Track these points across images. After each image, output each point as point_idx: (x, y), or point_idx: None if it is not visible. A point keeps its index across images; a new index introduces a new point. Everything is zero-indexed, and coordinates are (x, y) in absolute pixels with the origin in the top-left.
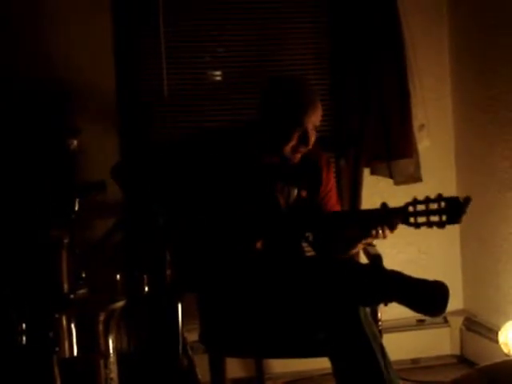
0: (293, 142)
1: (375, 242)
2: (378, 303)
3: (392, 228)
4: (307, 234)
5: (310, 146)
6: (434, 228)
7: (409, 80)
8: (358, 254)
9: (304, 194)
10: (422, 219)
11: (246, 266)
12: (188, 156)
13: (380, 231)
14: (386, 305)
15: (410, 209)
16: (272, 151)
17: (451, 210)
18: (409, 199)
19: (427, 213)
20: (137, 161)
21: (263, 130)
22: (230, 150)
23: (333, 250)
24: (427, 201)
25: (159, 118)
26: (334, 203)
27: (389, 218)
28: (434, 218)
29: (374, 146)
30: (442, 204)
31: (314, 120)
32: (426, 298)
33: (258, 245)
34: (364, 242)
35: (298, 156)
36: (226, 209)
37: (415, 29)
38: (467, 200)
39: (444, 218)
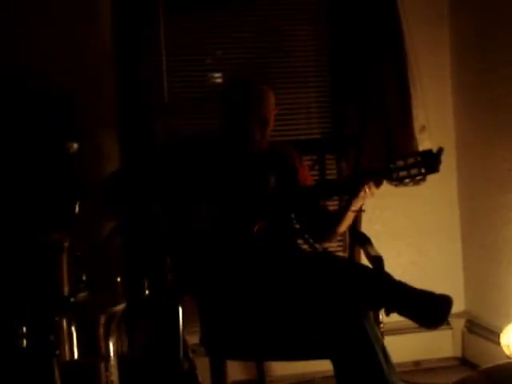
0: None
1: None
2: (379, 308)
3: (377, 184)
4: (296, 221)
5: (262, 139)
6: (418, 180)
7: (409, 81)
8: (358, 254)
9: (281, 179)
10: (403, 173)
11: (245, 268)
12: (180, 157)
13: (367, 189)
14: (387, 315)
15: (391, 166)
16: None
17: (427, 162)
18: (408, 201)
19: (407, 167)
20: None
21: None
22: (212, 152)
23: (324, 227)
24: (404, 156)
25: (159, 121)
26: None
27: (372, 175)
28: (414, 171)
29: (374, 148)
30: (419, 158)
31: (258, 116)
32: (428, 311)
33: (256, 229)
34: (353, 207)
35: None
36: (218, 201)
37: (416, 30)
38: (440, 150)
39: (423, 170)
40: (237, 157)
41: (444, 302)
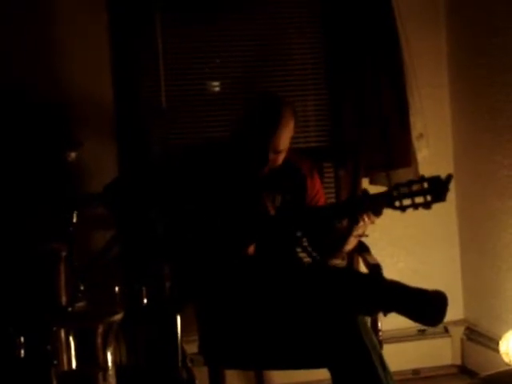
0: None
1: (374, 251)
2: (376, 312)
3: (377, 213)
4: (299, 235)
5: (274, 164)
6: (420, 209)
7: (407, 89)
8: (358, 263)
9: (289, 197)
10: (406, 202)
11: (243, 277)
12: (181, 169)
13: (366, 218)
14: (385, 315)
15: (394, 193)
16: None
17: (435, 189)
18: None
19: (411, 195)
20: (127, 184)
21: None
22: (217, 163)
23: (327, 248)
24: (410, 183)
25: (157, 129)
26: None
27: (373, 203)
28: (419, 200)
29: (372, 156)
30: (425, 184)
31: (276, 143)
32: (425, 307)
33: (251, 250)
34: (355, 232)
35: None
36: (216, 218)
37: (413, 38)
38: (449, 177)
39: (429, 198)
40: (244, 174)
41: (439, 297)
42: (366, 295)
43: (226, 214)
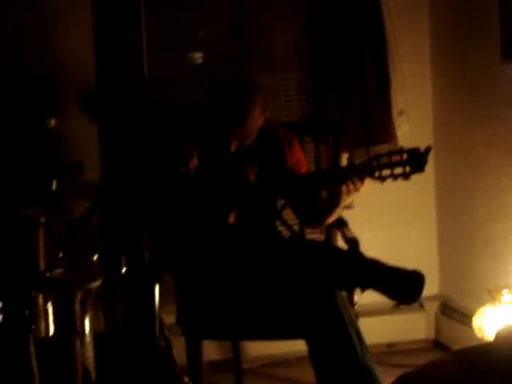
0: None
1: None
2: (354, 288)
3: (362, 180)
4: (278, 208)
5: (243, 144)
6: (399, 180)
7: (389, 66)
8: (336, 238)
9: (267, 167)
10: (386, 172)
11: (221, 248)
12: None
13: (351, 185)
14: (362, 292)
15: (374, 163)
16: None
17: (414, 161)
18: (385, 183)
19: (391, 165)
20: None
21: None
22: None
23: (309, 218)
24: (389, 154)
25: (138, 97)
26: None
27: (354, 171)
28: (398, 170)
29: (353, 132)
30: (404, 156)
31: (239, 132)
32: (402, 286)
33: (231, 219)
34: (343, 203)
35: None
36: (197, 188)
37: (396, 15)
38: (428, 149)
39: (408, 168)
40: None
41: (416, 276)
42: (344, 271)
43: (205, 182)
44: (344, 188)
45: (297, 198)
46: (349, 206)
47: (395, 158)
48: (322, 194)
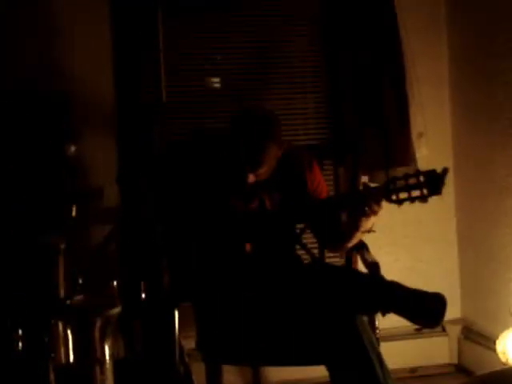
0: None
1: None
2: (375, 313)
3: (379, 203)
4: (298, 232)
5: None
6: (418, 204)
7: (407, 88)
8: (356, 261)
9: (288, 194)
10: (403, 195)
11: (242, 273)
12: (185, 160)
13: (369, 209)
14: (383, 315)
15: (391, 186)
16: None
17: (431, 183)
18: (405, 207)
19: (408, 188)
20: (142, 166)
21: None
22: (220, 158)
23: (329, 243)
24: (406, 177)
25: (158, 123)
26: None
27: (372, 195)
28: (416, 193)
29: (372, 154)
30: (421, 178)
31: (256, 173)
32: (424, 309)
33: (248, 248)
34: (363, 227)
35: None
36: (214, 216)
37: (413, 36)
38: (445, 171)
39: (425, 191)
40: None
41: (438, 300)
42: (365, 295)
43: (223, 212)
44: (363, 212)
45: (318, 223)
46: (369, 231)
47: (412, 181)
48: (342, 217)
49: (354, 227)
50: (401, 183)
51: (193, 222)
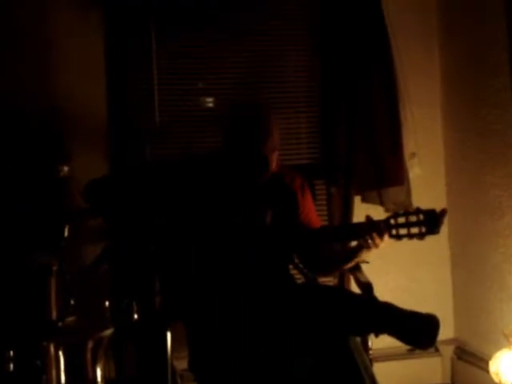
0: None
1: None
2: (368, 334)
3: (381, 235)
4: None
5: (272, 169)
6: (415, 240)
7: (399, 108)
8: (348, 280)
9: (279, 213)
10: (403, 231)
11: (235, 293)
12: (172, 178)
13: (370, 240)
14: (376, 336)
15: (392, 221)
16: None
17: (429, 222)
18: None
19: (408, 225)
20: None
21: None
22: (209, 175)
23: (323, 268)
24: (407, 213)
25: (149, 145)
26: (313, 225)
27: (375, 229)
28: (414, 230)
29: (364, 174)
30: (421, 216)
31: (269, 146)
32: (417, 331)
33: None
34: (359, 258)
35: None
36: (209, 234)
37: (406, 56)
38: (443, 212)
39: (423, 229)
40: (238, 187)
41: (431, 321)
42: (358, 316)
43: (219, 227)
44: (365, 244)
45: (304, 253)
46: (363, 261)
47: (412, 218)
48: (335, 246)
49: (350, 257)
50: (401, 220)
51: (187, 237)
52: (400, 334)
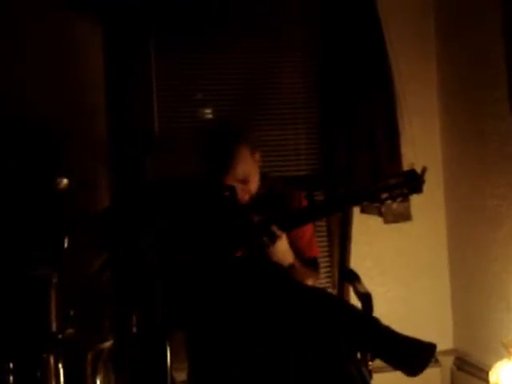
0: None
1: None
2: (366, 352)
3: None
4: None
5: (244, 198)
6: (398, 200)
7: (398, 119)
8: (347, 291)
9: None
10: (384, 195)
11: (235, 306)
12: (170, 197)
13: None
14: (372, 360)
15: (371, 188)
16: None
17: (411, 182)
18: (397, 238)
19: (388, 188)
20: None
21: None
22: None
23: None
24: (386, 177)
25: (149, 157)
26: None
27: (350, 199)
28: (396, 192)
29: (362, 185)
30: (401, 178)
31: (232, 177)
32: (411, 359)
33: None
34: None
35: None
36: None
37: (404, 68)
38: (424, 170)
39: (405, 190)
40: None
41: (428, 350)
42: (357, 334)
43: (214, 241)
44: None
45: None
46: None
47: (392, 181)
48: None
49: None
50: (381, 184)
51: (185, 254)
52: (393, 362)
